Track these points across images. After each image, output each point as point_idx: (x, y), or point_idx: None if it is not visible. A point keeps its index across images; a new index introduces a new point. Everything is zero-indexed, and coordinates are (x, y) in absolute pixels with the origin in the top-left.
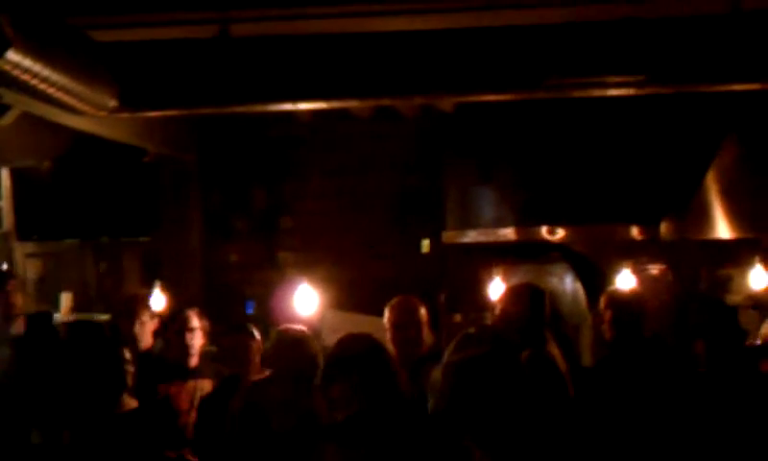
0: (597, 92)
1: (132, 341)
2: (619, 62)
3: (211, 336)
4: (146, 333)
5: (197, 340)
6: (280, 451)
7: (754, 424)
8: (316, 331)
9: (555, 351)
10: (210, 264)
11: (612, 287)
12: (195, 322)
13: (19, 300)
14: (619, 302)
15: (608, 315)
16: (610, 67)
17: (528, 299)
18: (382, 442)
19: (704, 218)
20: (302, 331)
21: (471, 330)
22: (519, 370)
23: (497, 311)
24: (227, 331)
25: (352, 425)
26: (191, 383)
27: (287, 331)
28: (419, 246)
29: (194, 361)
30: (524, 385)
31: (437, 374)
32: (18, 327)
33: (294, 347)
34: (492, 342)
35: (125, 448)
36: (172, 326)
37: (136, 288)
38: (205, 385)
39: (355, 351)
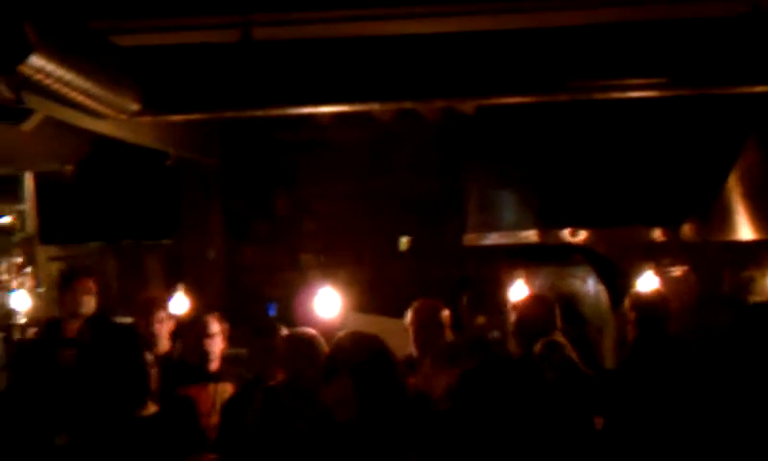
0: (619, 94)
1: (150, 342)
2: (641, 65)
3: (233, 339)
4: (163, 334)
5: (216, 345)
6: (300, 454)
7: None
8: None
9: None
10: (232, 267)
11: (637, 288)
12: (214, 327)
13: (87, 299)
14: (644, 303)
15: (632, 316)
16: (631, 70)
17: (541, 308)
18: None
19: (726, 220)
20: (312, 334)
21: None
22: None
23: (512, 319)
24: (253, 334)
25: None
26: (212, 386)
27: (297, 334)
28: (440, 248)
29: (214, 365)
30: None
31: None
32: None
33: (305, 349)
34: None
35: (146, 452)
36: (191, 331)
37: (158, 291)
38: (227, 388)
39: (351, 351)
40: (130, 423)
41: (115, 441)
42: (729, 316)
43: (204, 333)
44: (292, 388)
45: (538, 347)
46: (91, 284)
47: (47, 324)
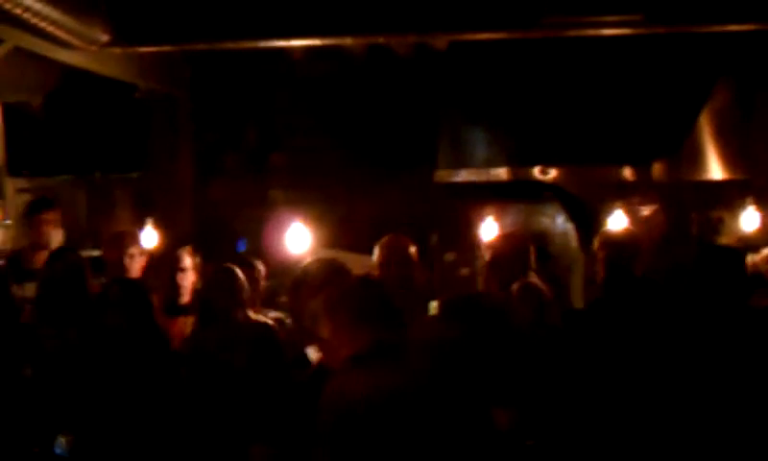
0: (593, 32)
1: (122, 275)
2: (616, 2)
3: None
4: (134, 269)
5: (188, 279)
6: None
7: (746, 363)
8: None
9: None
10: (201, 201)
11: (606, 228)
12: (187, 262)
13: (51, 231)
14: (613, 242)
15: (601, 255)
16: (606, 7)
17: (517, 246)
18: None
19: (696, 160)
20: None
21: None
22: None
23: (486, 256)
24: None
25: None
26: (182, 319)
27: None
28: (411, 184)
29: (185, 299)
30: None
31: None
32: (41, 259)
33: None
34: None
35: (118, 381)
36: (164, 264)
37: (129, 225)
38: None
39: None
40: (97, 353)
41: (80, 374)
42: (695, 256)
43: (176, 267)
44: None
45: (515, 287)
46: (56, 216)
47: (8, 257)
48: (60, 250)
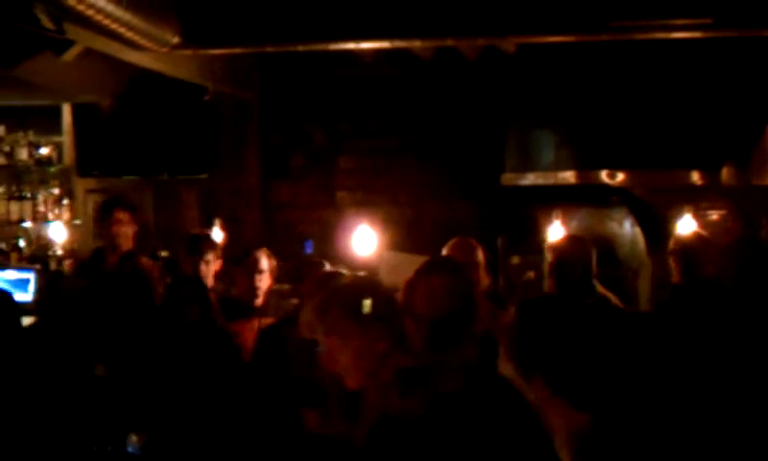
0: (662, 35)
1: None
2: (685, 5)
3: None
4: (210, 273)
5: (265, 282)
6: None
7: None
8: (374, 272)
9: (610, 296)
10: (268, 203)
11: (678, 232)
12: (264, 263)
13: (127, 231)
14: (686, 246)
15: (674, 258)
16: (675, 10)
17: (579, 249)
18: None
19: (766, 163)
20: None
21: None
22: (588, 311)
23: (550, 259)
24: (306, 266)
25: None
26: (255, 321)
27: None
28: (477, 187)
29: (260, 301)
30: (593, 326)
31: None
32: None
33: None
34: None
35: (186, 384)
36: (240, 266)
37: (194, 226)
38: (269, 323)
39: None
40: (167, 355)
41: (152, 373)
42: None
43: (254, 269)
44: None
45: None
46: (126, 216)
47: (93, 252)
48: (129, 254)
